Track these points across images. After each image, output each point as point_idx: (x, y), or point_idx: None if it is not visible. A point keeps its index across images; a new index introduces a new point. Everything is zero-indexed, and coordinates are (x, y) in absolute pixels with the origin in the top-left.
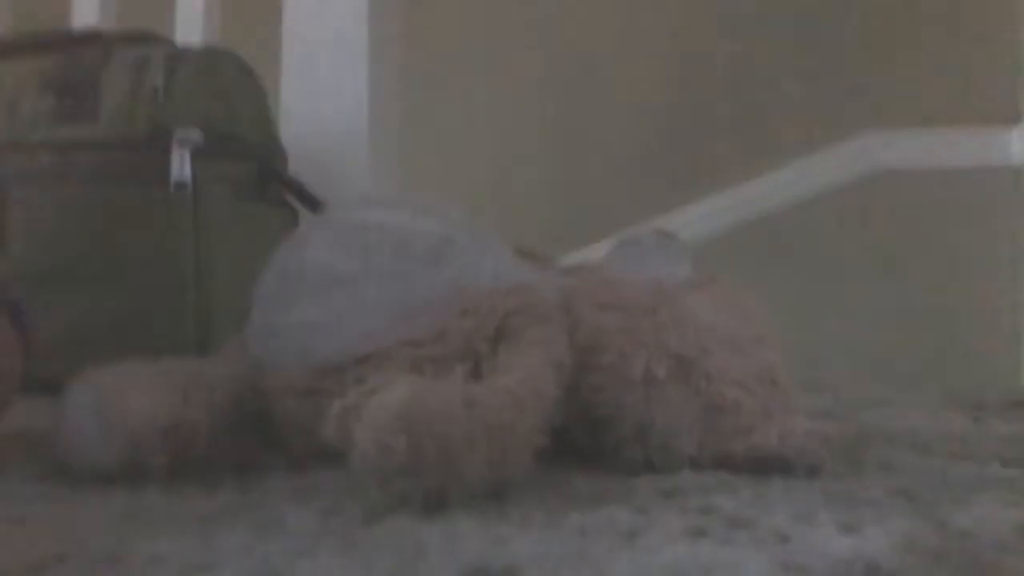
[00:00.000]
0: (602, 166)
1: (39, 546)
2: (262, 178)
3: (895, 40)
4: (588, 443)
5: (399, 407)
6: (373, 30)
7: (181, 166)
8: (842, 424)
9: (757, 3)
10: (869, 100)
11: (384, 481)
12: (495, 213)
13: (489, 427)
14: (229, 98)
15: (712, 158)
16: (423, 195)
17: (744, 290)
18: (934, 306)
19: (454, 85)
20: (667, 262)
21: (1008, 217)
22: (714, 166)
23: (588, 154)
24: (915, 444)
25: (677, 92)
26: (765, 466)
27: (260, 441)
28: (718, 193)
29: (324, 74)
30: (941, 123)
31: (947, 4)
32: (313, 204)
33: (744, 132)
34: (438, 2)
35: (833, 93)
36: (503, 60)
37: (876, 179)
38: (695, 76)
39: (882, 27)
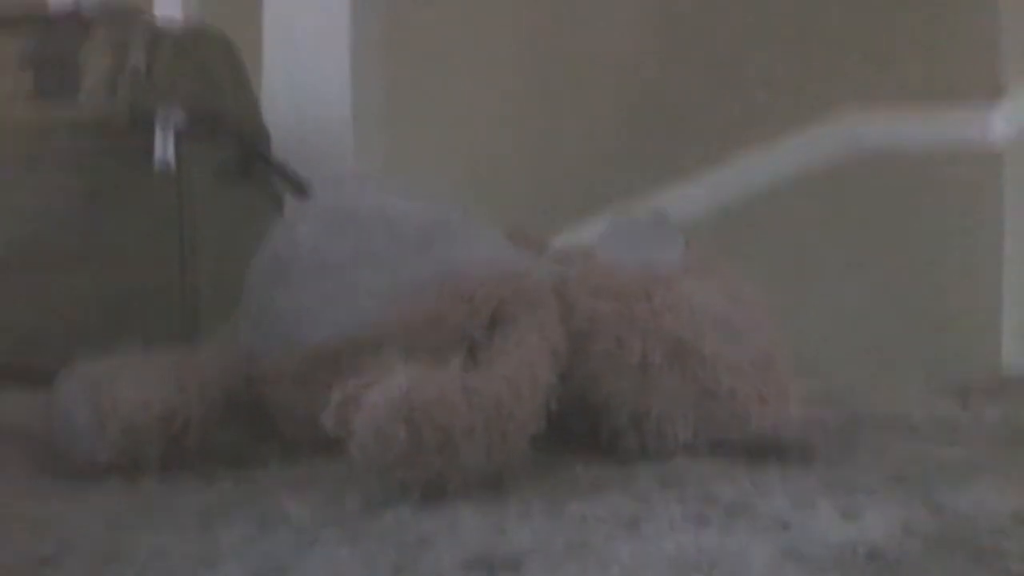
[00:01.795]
0: (581, 148)
1: (41, 542)
2: (246, 159)
3: (872, 13)
4: (584, 429)
5: (398, 397)
6: (355, 9)
7: (164, 147)
8: (833, 409)
9: None
10: (846, 76)
11: (384, 471)
12: (479, 194)
13: (487, 415)
14: (212, 77)
15: (690, 137)
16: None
17: (740, 273)
18: (914, 288)
19: (436, 66)
20: (661, 245)
21: (988, 198)
22: (692, 146)
23: (568, 136)
24: (906, 429)
25: (655, 70)
26: (761, 452)
27: (253, 431)
28: (696, 175)
29: (307, 54)
30: (920, 99)
31: None
32: (298, 186)
33: (723, 109)
34: None
35: (810, 69)
36: (485, 40)
37: (855, 159)
38: (673, 54)
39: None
